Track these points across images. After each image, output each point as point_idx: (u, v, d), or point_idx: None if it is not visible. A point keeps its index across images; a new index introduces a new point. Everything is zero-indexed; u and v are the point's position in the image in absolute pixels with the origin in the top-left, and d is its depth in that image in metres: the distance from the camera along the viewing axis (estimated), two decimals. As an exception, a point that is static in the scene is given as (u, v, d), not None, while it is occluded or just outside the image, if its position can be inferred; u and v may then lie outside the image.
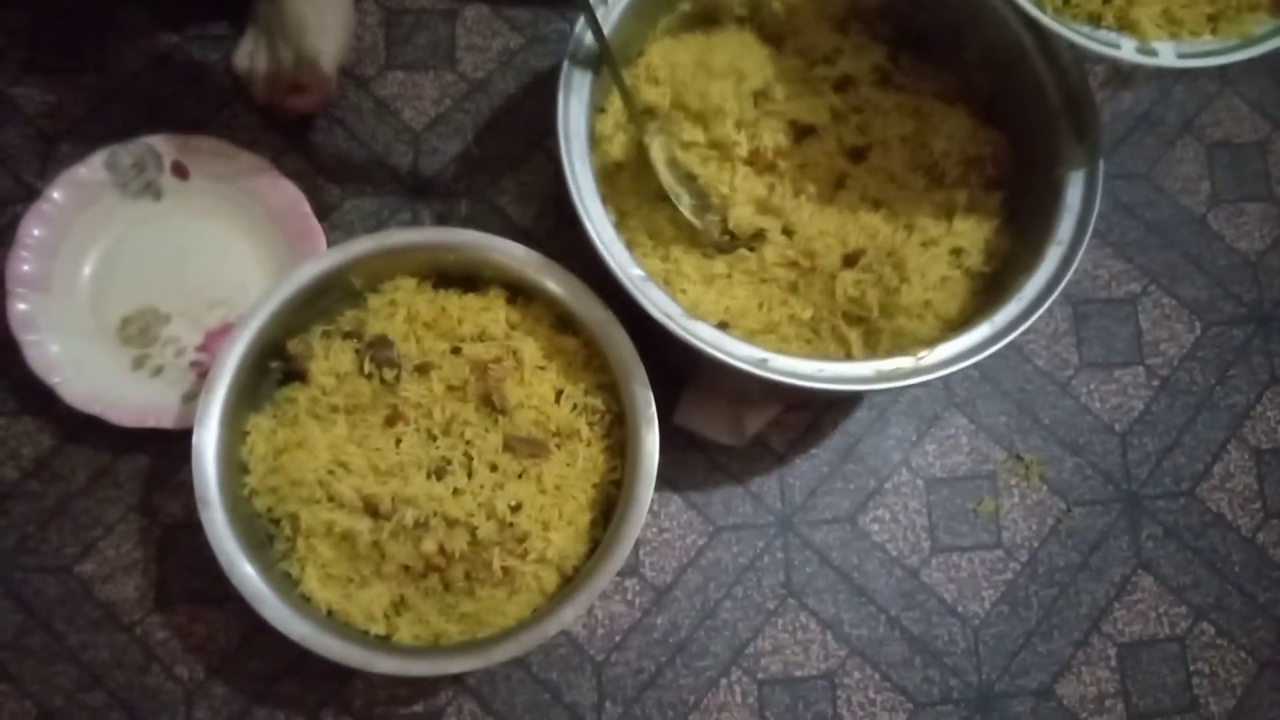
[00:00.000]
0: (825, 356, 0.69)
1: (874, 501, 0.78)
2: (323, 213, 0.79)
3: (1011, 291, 0.63)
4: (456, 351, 0.68)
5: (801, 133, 0.73)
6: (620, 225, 0.73)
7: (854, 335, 0.70)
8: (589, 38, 0.66)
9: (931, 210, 0.70)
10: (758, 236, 0.71)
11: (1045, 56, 0.68)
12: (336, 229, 0.79)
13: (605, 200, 0.73)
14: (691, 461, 0.77)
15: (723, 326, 0.69)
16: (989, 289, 0.69)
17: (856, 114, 0.74)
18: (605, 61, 0.66)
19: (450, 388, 0.68)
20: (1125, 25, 0.60)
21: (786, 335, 0.70)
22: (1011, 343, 0.81)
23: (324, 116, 0.82)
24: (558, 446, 0.67)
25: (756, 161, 0.72)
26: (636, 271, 0.62)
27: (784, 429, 0.78)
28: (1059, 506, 0.79)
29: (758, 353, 0.61)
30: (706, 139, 0.72)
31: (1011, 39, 0.69)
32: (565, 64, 0.66)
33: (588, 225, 0.63)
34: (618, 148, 0.73)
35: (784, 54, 0.76)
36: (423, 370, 0.68)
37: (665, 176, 0.70)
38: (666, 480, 0.76)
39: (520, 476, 0.66)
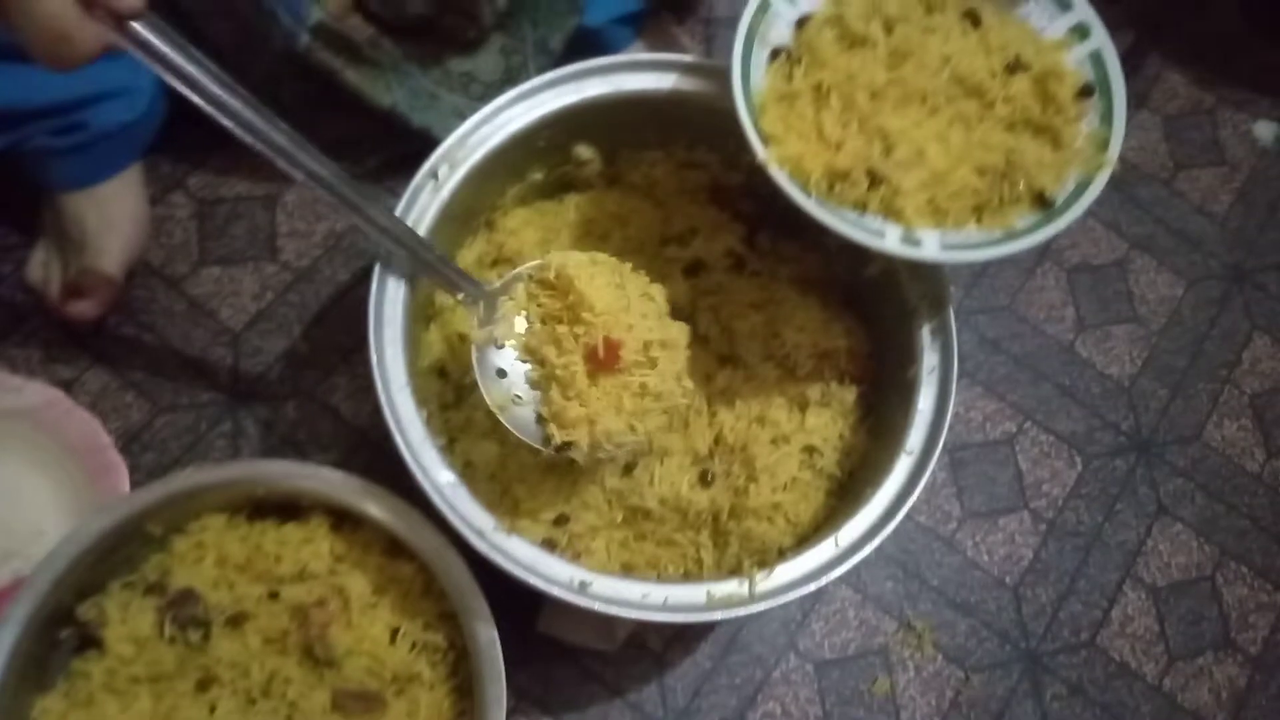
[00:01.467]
0: (665, 571, 0.65)
1: (763, 694, 0.72)
2: (131, 434, 0.72)
3: (859, 503, 0.59)
4: (275, 596, 0.61)
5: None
6: (456, 406, 0.67)
7: (702, 537, 0.65)
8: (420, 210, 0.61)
9: (784, 404, 0.67)
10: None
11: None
12: (148, 450, 0.72)
13: (444, 375, 0.68)
14: (560, 674, 0.70)
15: (561, 521, 0.64)
16: (844, 490, 0.65)
17: (710, 297, 0.70)
18: (422, 266, 0.60)
19: (268, 640, 0.60)
20: (890, 212, 0.57)
21: (625, 539, 0.65)
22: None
23: (131, 324, 0.75)
24: (399, 694, 0.60)
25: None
26: (446, 478, 0.56)
27: (660, 625, 0.72)
28: (957, 676, 0.74)
29: (578, 575, 0.55)
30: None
31: None
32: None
33: (391, 425, 0.57)
34: (464, 319, 0.68)
35: (638, 230, 0.73)
36: (236, 622, 0.60)
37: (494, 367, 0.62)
38: (534, 700, 0.69)
39: (356, 737, 0.59)
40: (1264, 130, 0.97)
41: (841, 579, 0.75)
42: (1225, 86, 0.98)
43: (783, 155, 0.57)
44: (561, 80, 0.65)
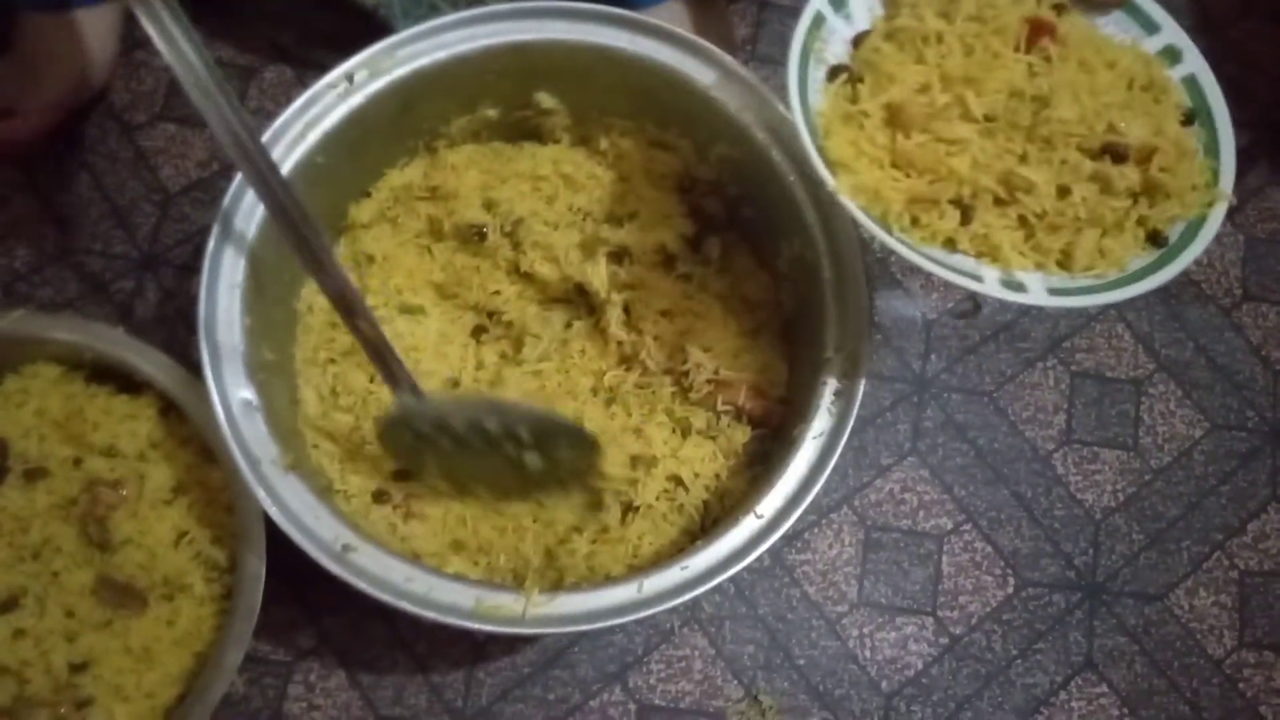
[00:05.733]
0: (496, 561, 0.60)
1: (574, 719, 0.66)
2: (37, 266, 0.71)
3: (688, 554, 0.52)
4: (79, 463, 0.59)
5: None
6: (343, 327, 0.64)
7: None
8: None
9: (666, 424, 0.60)
10: None
11: (837, 293, 0.57)
12: (48, 285, 0.71)
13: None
14: (372, 631, 0.66)
15: (402, 476, 0.61)
16: (705, 533, 0.58)
17: (628, 290, 0.64)
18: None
19: (56, 504, 0.58)
20: (985, 252, 0.49)
21: (463, 516, 0.61)
22: (779, 558, 0.71)
23: (75, 159, 0.74)
24: (164, 598, 0.57)
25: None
26: (242, 395, 0.53)
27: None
28: (790, 770, 0.67)
29: (344, 537, 0.51)
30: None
31: (813, 258, 0.59)
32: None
33: (200, 322, 0.53)
34: (376, 239, 0.65)
35: (587, 200, 0.67)
36: (32, 477, 0.58)
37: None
38: (335, 648, 0.66)
39: (106, 628, 0.56)
40: (1369, 283, 0.83)
41: (699, 624, 0.69)
42: (1340, 223, 0.85)
43: (856, 185, 0.48)
44: (522, 14, 0.60)
